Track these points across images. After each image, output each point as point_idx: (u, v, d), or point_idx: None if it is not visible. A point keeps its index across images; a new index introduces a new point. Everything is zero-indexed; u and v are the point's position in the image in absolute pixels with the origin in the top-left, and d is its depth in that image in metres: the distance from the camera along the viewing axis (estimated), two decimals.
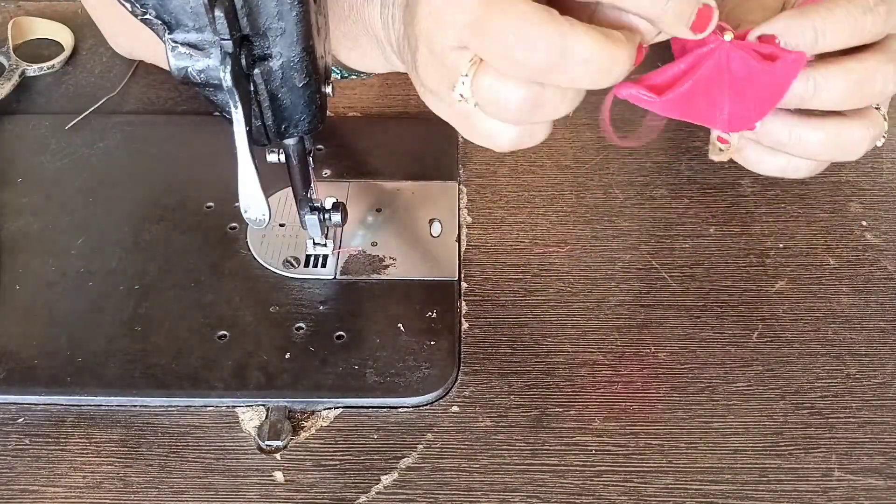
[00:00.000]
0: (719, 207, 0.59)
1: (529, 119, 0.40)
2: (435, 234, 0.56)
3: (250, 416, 0.48)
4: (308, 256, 0.55)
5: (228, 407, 0.48)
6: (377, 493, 0.45)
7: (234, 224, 0.57)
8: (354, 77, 0.57)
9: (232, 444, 0.47)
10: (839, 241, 0.57)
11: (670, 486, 0.45)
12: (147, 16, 0.39)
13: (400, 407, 0.48)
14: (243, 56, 0.40)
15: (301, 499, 0.45)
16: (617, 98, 0.40)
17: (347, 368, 0.49)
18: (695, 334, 0.52)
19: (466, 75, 0.38)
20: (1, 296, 0.53)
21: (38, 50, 0.70)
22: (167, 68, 0.44)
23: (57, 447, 0.47)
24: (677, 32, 0.37)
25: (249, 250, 0.55)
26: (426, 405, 0.48)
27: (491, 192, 0.60)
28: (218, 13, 0.37)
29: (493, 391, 0.49)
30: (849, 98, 0.40)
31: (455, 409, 0.48)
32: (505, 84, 0.37)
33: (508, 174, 0.61)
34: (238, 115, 0.40)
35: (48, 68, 0.68)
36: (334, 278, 0.54)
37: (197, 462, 0.46)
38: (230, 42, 0.38)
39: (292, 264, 0.54)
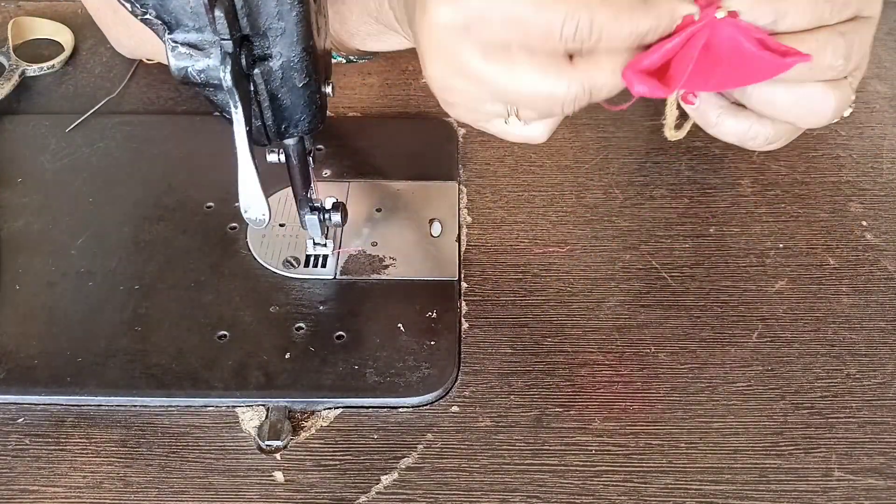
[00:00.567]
0: (719, 207, 0.59)
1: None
2: (435, 234, 0.56)
3: (250, 416, 0.48)
4: (308, 256, 0.55)
5: (228, 407, 0.48)
6: (377, 493, 0.45)
7: (234, 224, 0.57)
8: (362, 60, 0.57)
9: (232, 444, 0.47)
10: (839, 241, 0.57)
11: (670, 486, 0.45)
12: (147, 16, 0.39)
13: (400, 407, 0.48)
14: (243, 56, 0.40)
15: (301, 499, 0.45)
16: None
17: (347, 368, 0.49)
18: (695, 334, 0.52)
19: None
20: (1, 296, 0.53)
21: (38, 50, 0.70)
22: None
23: (57, 447, 0.47)
24: None
25: (249, 250, 0.55)
26: (426, 405, 0.48)
27: (491, 192, 0.60)
28: (218, 13, 0.37)
29: (493, 391, 0.49)
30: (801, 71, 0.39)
31: (455, 409, 0.48)
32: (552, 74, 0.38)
33: (508, 174, 0.61)
34: (238, 115, 0.40)
35: (48, 68, 0.68)
36: (334, 278, 0.54)
37: (197, 462, 0.46)
38: (230, 42, 0.38)
39: (292, 264, 0.54)
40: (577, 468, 0.46)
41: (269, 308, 0.52)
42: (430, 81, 0.41)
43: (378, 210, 0.58)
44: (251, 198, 0.44)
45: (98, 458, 0.46)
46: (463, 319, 0.52)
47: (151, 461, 0.46)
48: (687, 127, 0.43)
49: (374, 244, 0.56)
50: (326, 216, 0.51)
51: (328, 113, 0.47)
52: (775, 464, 0.46)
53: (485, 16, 0.37)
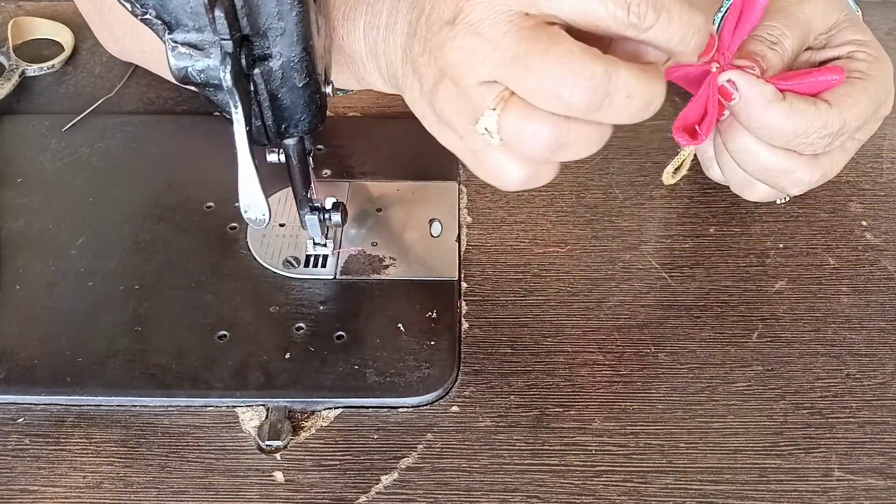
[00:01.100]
0: (719, 207, 0.59)
1: (551, 158, 0.40)
2: (435, 234, 0.56)
3: (250, 416, 0.48)
4: (308, 256, 0.55)
5: (228, 407, 0.48)
6: (377, 493, 0.45)
7: (234, 224, 0.57)
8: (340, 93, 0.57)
9: (232, 444, 0.47)
10: (839, 241, 0.57)
11: (670, 486, 0.45)
12: (147, 16, 0.39)
13: (400, 407, 0.48)
14: (243, 56, 0.40)
15: (301, 499, 0.45)
16: None
17: (347, 368, 0.49)
18: (695, 334, 0.52)
19: (494, 109, 0.38)
20: (1, 296, 0.53)
21: (38, 50, 0.70)
22: (156, 71, 0.44)
23: (57, 447, 0.47)
24: (690, 60, 0.39)
25: (249, 250, 0.55)
26: (426, 405, 0.48)
27: (491, 192, 0.60)
28: (218, 13, 0.37)
29: (493, 391, 0.49)
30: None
31: (455, 409, 0.48)
32: (534, 121, 0.38)
33: None
34: (238, 115, 0.40)
35: (48, 68, 0.68)
36: (334, 278, 0.54)
37: (197, 462, 0.46)
38: (230, 42, 0.38)
39: (292, 264, 0.54)
40: (577, 468, 0.46)
41: (269, 308, 0.52)
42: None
43: (378, 210, 0.58)
44: (251, 198, 0.44)
45: (98, 458, 0.46)
46: (463, 319, 0.52)
47: (151, 461, 0.46)
48: (683, 172, 0.47)
49: (374, 244, 0.56)
50: (326, 216, 0.51)
51: (328, 113, 0.47)
52: (775, 464, 0.46)
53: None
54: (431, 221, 0.57)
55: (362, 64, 0.49)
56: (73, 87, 0.67)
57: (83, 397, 0.48)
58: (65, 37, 0.70)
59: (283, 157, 0.48)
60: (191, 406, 0.48)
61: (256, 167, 0.43)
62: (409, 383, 0.49)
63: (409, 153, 0.62)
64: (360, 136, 0.63)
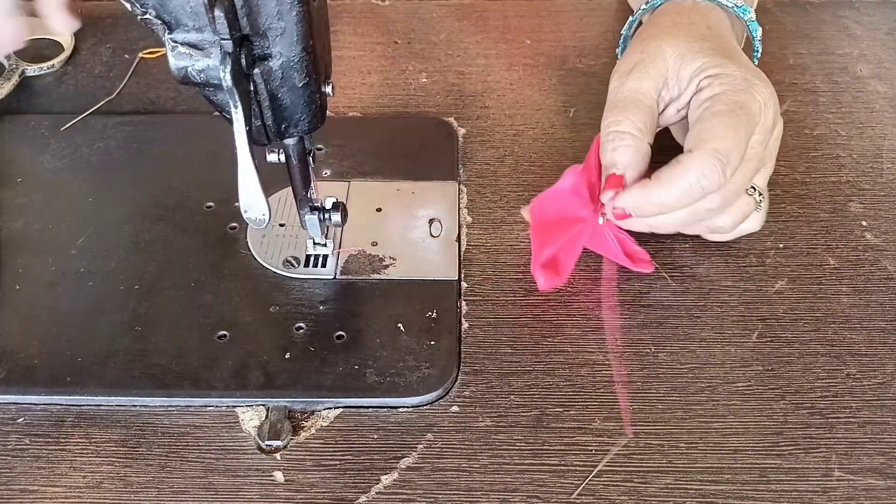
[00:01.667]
0: None
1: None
2: (435, 234, 0.56)
3: (250, 415, 0.48)
4: (308, 256, 0.55)
5: (228, 407, 0.48)
6: (377, 493, 0.45)
7: (234, 224, 0.57)
8: None
9: (232, 444, 0.47)
10: (839, 241, 0.57)
11: (670, 486, 0.45)
12: (147, 16, 0.39)
13: (400, 407, 0.48)
14: (243, 56, 0.40)
15: (301, 499, 0.45)
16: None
17: (347, 368, 0.49)
18: (695, 334, 0.52)
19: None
20: (1, 296, 0.53)
21: (38, 50, 0.70)
22: None
23: (57, 447, 0.47)
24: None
25: (249, 250, 0.55)
26: (426, 405, 0.48)
27: (491, 192, 0.60)
28: (218, 13, 0.37)
29: (493, 391, 0.49)
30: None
31: (455, 409, 0.48)
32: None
33: (508, 174, 0.61)
34: (238, 115, 0.40)
35: (48, 68, 0.68)
36: (334, 278, 0.54)
37: (197, 462, 0.46)
38: (230, 42, 0.38)
39: (292, 264, 0.54)
40: (577, 468, 0.46)
41: (269, 308, 0.52)
42: None
43: (378, 210, 0.58)
44: (251, 198, 0.44)
45: (98, 458, 0.46)
46: (463, 319, 0.52)
47: (151, 461, 0.46)
48: None
49: (374, 244, 0.56)
50: (326, 216, 0.51)
51: (328, 113, 0.47)
52: (775, 464, 0.46)
53: None
54: (431, 221, 0.57)
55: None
56: (73, 87, 0.67)
57: (83, 397, 0.48)
58: (64, 37, 0.70)
59: (283, 157, 0.48)
60: (191, 406, 0.48)
61: (256, 167, 0.43)
62: (409, 383, 0.49)
63: (409, 153, 0.62)
64: (360, 136, 0.63)
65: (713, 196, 0.49)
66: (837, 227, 0.57)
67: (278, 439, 0.46)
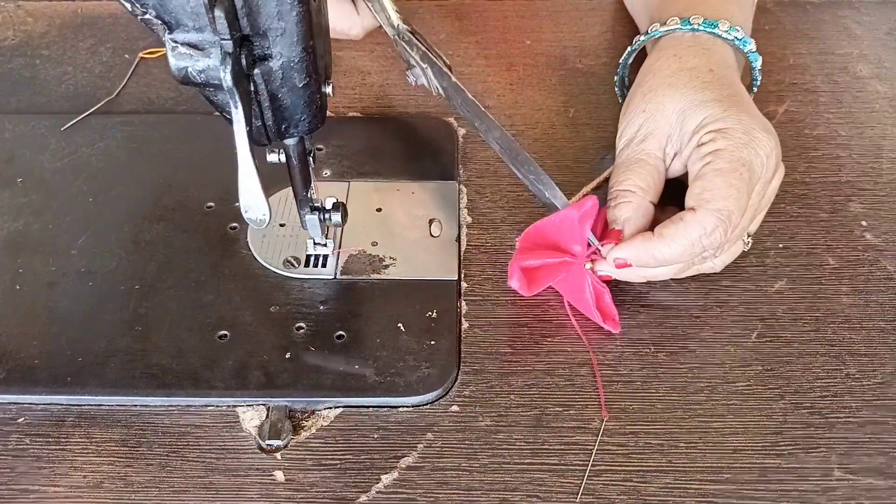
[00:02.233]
0: None
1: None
2: (435, 234, 0.56)
3: (251, 415, 0.48)
4: (308, 256, 0.55)
5: (229, 406, 0.48)
6: (377, 492, 0.45)
7: (234, 224, 0.57)
8: None
9: (232, 443, 0.47)
10: (839, 241, 0.57)
11: (670, 485, 0.45)
12: (147, 16, 0.39)
13: (400, 406, 0.48)
14: (243, 56, 0.40)
15: (301, 498, 0.45)
16: None
17: (347, 368, 0.49)
18: (695, 334, 0.52)
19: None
20: (1, 296, 0.53)
21: None
22: None
23: (57, 447, 0.47)
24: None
25: (249, 250, 0.55)
26: (426, 405, 0.48)
27: (491, 192, 0.60)
28: (218, 13, 0.37)
29: (493, 391, 0.49)
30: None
31: (455, 408, 0.48)
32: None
33: (508, 174, 0.61)
34: (238, 115, 0.40)
35: None
36: (334, 278, 0.54)
37: (197, 462, 0.46)
38: (230, 42, 0.38)
39: (292, 264, 0.54)
40: (577, 468, 0.46)
41: (269, 308, 0.52)
42: None
43: (378, 210, 0.58)
44: (251, 198, 0.44)
45: (98, 457, 0.46)
46: (463, 319, 0.52)
47: (151, 461, 0.46)
48: None
49: (374, 244, 0.56)
50: (326, 216, 0.51)
51: (328, 113, 0.47)
52: (775, 464, 0.46)
53: None
54: (431, 221, 0.57)
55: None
56: (73, 87, 0.67)
57: (83, 397, 0.48)
58: None
59: (283, 157, 0.48)
60: (191, 406, 0.48)
61: (256, 167, 0.43)
62: (409, 383, 0.49)
63: (409, 153, 0.62)
64: (360, 136, 0.63)
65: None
66: (837, 227, 0.58)
67: (279, 439, 0.46)
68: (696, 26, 0.55)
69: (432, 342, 0.50)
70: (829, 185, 0.60)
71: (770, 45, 0.71)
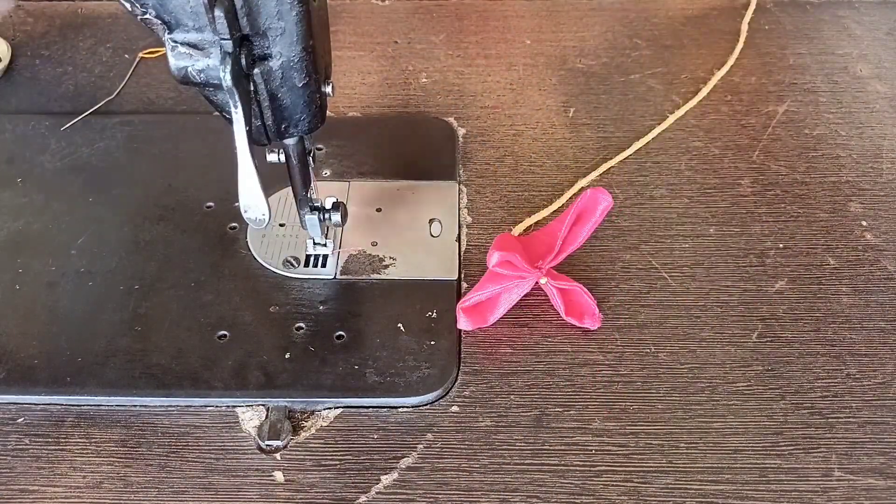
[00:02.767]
0: (719, 207, 0.59)
1: None
2: (435, 234, 0.56)
3: (250, 415, 0.48)
4: (308, 256, 0.55)
5: (228, 407, 0.48)
6: (377, 492, 0.45)
7: (234, 224, 0.57)
8: None
9: (232, 443, 0.47)
10: (839, 241, 0.57)
11: (670, 486, 0.45)
12: (147, 16, 0.39)
13: (400, 407, 0.48)
14: (243, 56, 0.40)
15: (301, 499, 0.45)
16: None
17: (347, 368, 0.49)
18: (695, 334, 0.52)
19: None
20: (1, 296, 0.53)
21: None
22: None
23: (57, 447, 0.47)
24: None
25: (249, 250, 0.55)
26: (426, 405, 0.48)
27: (491, 192, 0.60)
28: (218, 13, 0.37)
29: (493, 391, 0.49)
30: None
31: (455, 409, 0.48)
32: None
33: (508, 174, 0.61)
34: (238, 115, 0.40)
35: None
36: (334, 278, 0.54)
37: (197, 462, 0.46)
38: (230, 42, 0.38)
39: (292, 264, 0.54)
40: (577, 468, 0.46)
41: (269, 308, 0.52)
42: None
43: (378, 210, 0.58)
44: (251, 198, 0.44)
45: (98, 457, 0.46)
46: None
47: (151, 461, 0.46)
48: None
49: (374, 244, 0.56)
50: (326, 216, 0.51)
51: (328, 113, 0.47)
52: (775, 464, 0.46)
53: None
54: (431, 221, 0.57)
55: None
56: (73, 87, 0.67)
57: (83, 397, 0.48)
58: (2, 49, 0.69)
59: (283, 157, 0.48)
60: (191, 406, 0.48)
61: (256, 167, 0.43)
62: (409, 383, 0.49)
63: (409, 153, 0.62)
64: (360, 136, 0.63)
65: None
66: (837, 227, 0.57)
67: (278, 439, 0.46)
68: None
69: (432, 342, 0.50)
70: (829, 185, 0.60)
71: (770, 45, 0.71)
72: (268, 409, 0.48)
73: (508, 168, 0.61)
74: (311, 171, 0.50)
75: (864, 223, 0.58)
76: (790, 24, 0.74)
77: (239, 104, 0.40)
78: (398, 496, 0.45)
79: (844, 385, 0.49)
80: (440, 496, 0.45)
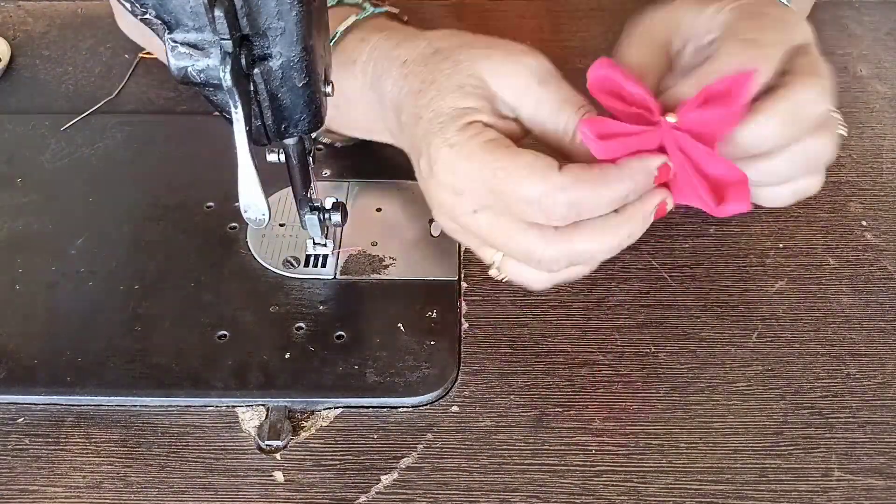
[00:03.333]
0: None
1: (564, 277, 0.45)
2: (435, 234, 0.56)
3: (250, 415, 0.48)
4: (308, 256, 0.55)
5: (228, 407, 0.48)
6: (377, 493, 0.45)
7: (234, 224, 0.57)
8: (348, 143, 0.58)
9: (232, 444, 0.47)
10: (839, 241, 0.57)
11: (670, 486, 0.45)
12: (147, 15, 0.39)
13: (400, 407, 0.48)
14: (243, 56, 0.40)
15: (301, 499, 0.45)
16: None
17: (347, 368, 0.49)
18: (695, 334, 0.52)
19: (493, 262, 0.45)
20: (1, 296, 0.53)
21: None
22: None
23: (57, 447, 0.47)
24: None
25: (249, 250, 0.55)
26: (426, 405, 0.48)
27: None
28: (218, 13, 0.37)
29: (493, 391, 0.49)
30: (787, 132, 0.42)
31: (455, 409, 0.48)
32: (528, 269, 0.44)
33: None
34: (238, 115, 0.40)
35: None
36: (334, 278, 0.54)
37: (197, 462, 0.46)
38: (230, 42, 0.38)
39: (292, 264, 0.54)
40: (577, 468, 0.46)
41: (269, 308, 0.52)
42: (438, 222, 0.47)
43: (378, 210, 0.58)
44: (251, 198, 0.44)
45: (98, 458, 0.46)
46: (463, 319, 0.52)
47: (151, 461, 0.46)
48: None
49: (374, 244, 0.56)
50: (326, 216, 0.51)
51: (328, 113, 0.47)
52: (775, 464, 0.46)
53: (474, 185, 0.42)
54: (431, 221, 0.57)
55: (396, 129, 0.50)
56: (73, 87, 0.67)
57: (83, 397, 0.48)
58: (2, 49, 0.69)
59: (283, 157, 0.48)
60: (191, 406, 0.48)
61: (256, 167, 0.43)
62: (408, 383, 0.49)
63: None
64: None
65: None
66: (837, 227, 0.57)
67: (278, 439, 0.46)
68: None
69: (432, 342, 0.50)
70: (829, 185, 0.60)
71: None
72: (268, 409, 0.48)
73: None
74: (310, 170, 0.50)
75: (864, 223, 0.58)
76: None
77: (239, 104, 0.40)
78: (398, 496, 0.45)
79: (844, 385, 0.49)
80: (440, 496, 0.45)
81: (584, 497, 0.45)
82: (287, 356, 0.50)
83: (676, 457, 0.46)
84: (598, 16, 0.75)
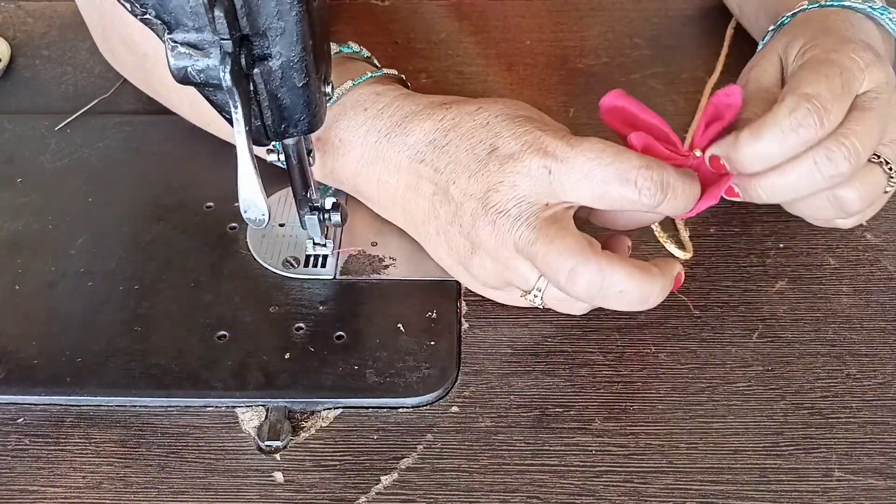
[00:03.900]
0: (719, 207, 0.58)
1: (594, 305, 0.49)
2: None
3: (250, 416, 0.48)
4: (308, 256, 0.55)
5: (228, 407, 0.48)
6: (377, 493, 0.45)
7: (234, 224, 0.57)
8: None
9: (232, 444, 0.47)
10: (839, 241, 0.57)
11: (670, 486, 0.45)
12: (147, 16, 0.39)
13: (400, 407, 0.48)
14: (243, 56, 0.40)
15: (301, 499, 0.45)
16: None
17: (347, 368, 0.49)
18: (695, 334, 0.52)
19: (540, 290, 0.47)
20: (1, 296, 0.53)
21: None
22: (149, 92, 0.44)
23: (57, 447, 0.47)
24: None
25: (249, 250, 0.55)
26: (426, 405, 0.48)
27: None
28: (218, 13, 0.37)
29: (493, 391, 0.49)
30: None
31: (455, 409, 0.48)
32: (569, 299, 0.47)
33: None
34: (238, 115, 0.40)
35: None
36: (334, 278, 0.54)
37: (197, 462, 0.46)
38: (230, 42, 0.38)
39: (292, 264, 0.54)
40: (577, 468, 0.46)
41: (268, 308, 0.52)
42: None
43: None
44: (251, 198, 0.44)
45: (98, 458, 0.46)
46: (463, 319, 0.52)
47: (151, 461, 0.46)
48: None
49: (374, 244, 0.56)
50: (326, 216, 0.51)
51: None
52: (775, 464, 0.46)
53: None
54: None
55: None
56: (73, 87, 0.67)
57: (83, 397, 0.48)
58: (2, 49, 0.69)
59: (283, 157, 0.48)
60: (190, 406, 0.48)
61: (256, 167, 0.43)
62: (408, 383, 0.49)
63: None
64: None
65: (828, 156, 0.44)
66: None
67: (278, 440, 0.46)
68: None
69: (432, 343, 0.50)
70: None
71: None
72: (267, 410, 0.48)
73: None
74: (311, 170, 0.50)
75: (864, 223, 0.57)
76: None
77: (239, 104, 0.40)
78: (398, 496, 0.45)
79: (844, 385, 0.49)
80: (440, 497, 0.45)
81: (584, 497, 0.45)
82: (287, 356, 0.50)
83: (676, 457, 0.46)
84: (598, 16, 0.75)
